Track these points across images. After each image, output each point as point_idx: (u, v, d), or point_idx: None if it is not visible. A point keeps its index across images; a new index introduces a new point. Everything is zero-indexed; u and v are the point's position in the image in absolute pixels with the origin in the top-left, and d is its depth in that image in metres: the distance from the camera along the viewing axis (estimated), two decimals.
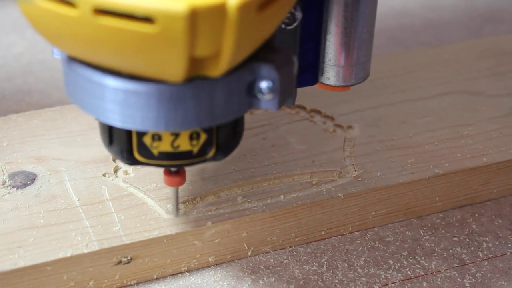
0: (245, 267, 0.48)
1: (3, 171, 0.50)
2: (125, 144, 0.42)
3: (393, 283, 0.47)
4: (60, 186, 0.49)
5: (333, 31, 0.44)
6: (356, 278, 0.48)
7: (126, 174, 0.50)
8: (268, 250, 0.49)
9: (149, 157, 0.42)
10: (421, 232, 0.51)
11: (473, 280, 0.48)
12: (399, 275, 0.48)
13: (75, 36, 0.36)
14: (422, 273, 0.48)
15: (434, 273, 0.48)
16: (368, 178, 0.51)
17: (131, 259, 0.46)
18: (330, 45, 0.45)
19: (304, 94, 0.58)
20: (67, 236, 0.45)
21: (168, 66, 0.36)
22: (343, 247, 0.50)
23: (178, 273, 0.48)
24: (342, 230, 0.51)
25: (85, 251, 0.44)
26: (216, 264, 0.48)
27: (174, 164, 0.42)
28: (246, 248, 0.49)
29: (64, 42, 0.38)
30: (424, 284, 0.47)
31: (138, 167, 0.51)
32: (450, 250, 0.50)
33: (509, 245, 0.51)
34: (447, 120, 0.57)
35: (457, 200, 0.53)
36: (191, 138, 0.41)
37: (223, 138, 0.42)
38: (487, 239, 0.51)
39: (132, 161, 0.42)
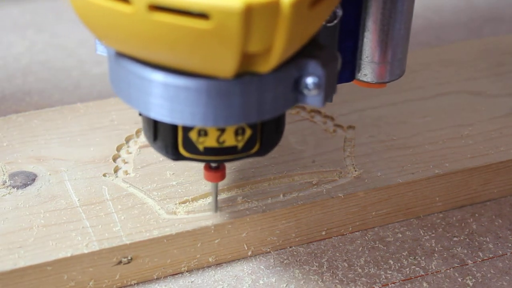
0: (245, 267, 0.48)
1: (3, 171, 0.50)
2: (170, 140, 0.42)
3: (393, 283, 0.47)
4: (60, 186, 0.49)
5: (371, 28, 0.45)
6: (356, 278, 0.48)
7: (126, 174, 0.50)
8: (268, 250, 0.49)
9: (194, 152, 0.42)
10: (421, 232, 0.51)
11: (473, 280, 0.48)
12: (399, 275, 0.48)
13: (128, 33, 0.36)
14: (422, 273, 0.48)
15: (434, 273, 0.48)
16: (368, 178, 0.51)
17: (131, 259, 0.46)
18: (367, 42, 0.46)
19: None
20: (67, 236, 0.45)
21: (220, 62, 0.36)
22: (343, 247, 0.50)
23: (178, 273, 0.48)
24: (342, 230, 0.51)
25: (85, 251, 0.44)
26: (216, 264, 0.48)
27: (219, 159, 0.43)
28: (246, 248, 0.49)
29: (115, 38, 0.38)
30: (424, 284, 0.47)
31: (138, 167, 0.51)
32: (450, 250, 0.50)
33: (509, 245, 0.51)
34: (447, 120, 0.57)
35: (457, 200, 0.53)
36: (236, 133, 0.42)
37: (267, 134, 0.43)
38: (487, 239, 0.51)
39: (177, 156, 0.43)
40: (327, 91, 0.40)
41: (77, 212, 0.47)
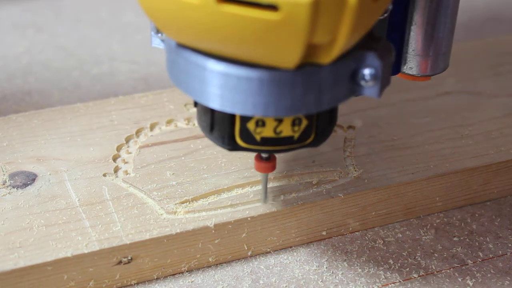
0: (245, 267, 0.48)
1: (3, 171, 0.50)
2: (227, 130, 0.43)
3: (393, 283, 0.47)
4: (60, 186, 0.49)
5: (418, 22, 0.46)
6: (356, 278, 0.48)
7: (126, 174, 0.50)
8: (268, 250, 0.49)
9: (251, 143, 0.43)
10: (421, 232, 0.51)
11: (473, 280, 0.48)
12: (399, 275, 0.48)
13: (195, 24, 0.37)
14: (422, 273, 0.48)
15: (434, 273, 0.48)
16: (368, 178, 0.51)
17: (131, 259, 0.46)
18: (414, 36, 0.46)
19: None
20: (67, 236, 0.45)
21: (284, 53, 0.37)
22: (343, 247, 0.50)
23: (178, 273, 0.48)
24: (342, 230, 0.51)
25: (85, 251, 0.44)
26: (216, 264, 0.48)
27: (275, 149, 0.43)
28: (246, 248, 0.49)
29: (180, 30, 0.38)
30: (424, 284, 0.47)
31: (138, 167, 0.51)
32: (450, 250, 0.50)
33: (509, 245, 0.51)
34: (447, 120, 0.57)
35: (457, 200, 0.53)
36: (293, 124, 0.42)
37: (322, 125, 0.44)
38: (487, 239, 0.51)
39: (233, 147, 0.43)
40: (383, 83, 0.40)
41: (77, 212, 0.47)
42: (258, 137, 0.43)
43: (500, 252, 0.50)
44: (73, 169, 0.51)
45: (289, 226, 0.49)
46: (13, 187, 0.49)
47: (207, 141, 0.54)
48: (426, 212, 0.53)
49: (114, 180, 0.50)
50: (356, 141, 0.54)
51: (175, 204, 0.48)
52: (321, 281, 0.47)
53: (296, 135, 0.43)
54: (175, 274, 0.48)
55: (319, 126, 0.44)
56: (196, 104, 0.45)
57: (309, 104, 0.40)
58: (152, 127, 0.55)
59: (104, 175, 0.50)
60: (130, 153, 0.53)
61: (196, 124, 0.55)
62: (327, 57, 0.38)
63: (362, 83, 0.40)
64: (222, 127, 0.43)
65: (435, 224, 0.52)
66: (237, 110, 0.40)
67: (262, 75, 0.38)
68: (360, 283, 0.47)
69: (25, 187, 0.49)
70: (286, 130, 0.42)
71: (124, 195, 0.49)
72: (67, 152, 0.52)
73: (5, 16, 0.78)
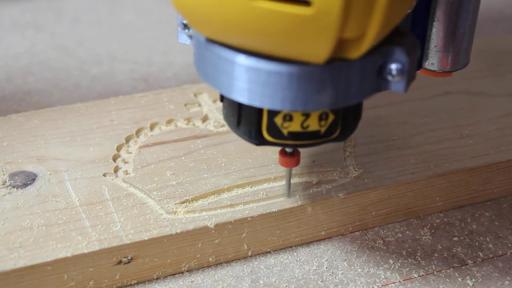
0: (245, 267, 0.48)
1: (3, 171, 0.50)
2: (254, 124, 0.43)
3: (393, 283, 0.47)
4: (60, 186, 0.49)
5: (440, 17, 0.46)
6: (356, 278, 0.48)
7: (126, 174, 0.50)
8: (268, 250, 0.49)
9: (278, 137, 0.43)
10: (421, 232, 0.51)
11: (473, 280, 0.48)
12: (399, 275, 0.48)
13: (228, 19, 0.37)
14: (422, 273, 0.48)
15: (434, 273, 0.48)
16: (368, 178, 0.51)
17: (131, 259, 0.46)
18: (436, 31, 0.46)
19: None
20: (67, 236, 0.45)
21: (315, 48, 0.37)
22: (343, 247, 0.50)
23: (178, 273, 0.48)
24: (342, 230, 0.51)
25: (85, 251, 0.44)
26: (216, 264, 0.48)
27: (302, 143, 0.44)
28: (246, 248, 0.49)
29: (211, 25, 0.39)
30: (424, 284, 0.47)
31: (138, 167, 0.51)
32: (450, 250, 0.50)
33: (509, 245, 0.51)
34: (447, 120, 0.57)
35: (457, 200, 0.53)
36: (320, 118, 0.43)
37: (347, 119, 0.44)
38: (487, 239, 0.51)
39: (260, 141, 0.44)
40: (409, 78, 0.41)
41: (77, 212, 0.47)
42: (285, 132, 0.43)
43: (500, 252, 0.50)
44: (73, 169, 0.51)
45: (289, 226, 0.49)
46: (13, 187, 0.49)
47: (207, 141, 0.54)
48: (426, 212, 0.53)
49: (114, 180, 0.50)
50: (356, 141, 0.54)
51: (175, 204, 0.48)
52: (321, 281, 0.47)
53: (323, 129, 0.43)
54: (175, 274, 0.48)
55: (345, 121, 0.44)
56: (222, 99, 0.45)
57: (337, 98, 0.40)
58: (152, 127, 0.55)
59: (104, 175, 0.50)
60: (130, 153, 0.53)
61: (196, 124, 0.55)
62: (356, 52, 0.38)
63: (389, 78, 0.41)
64: (249, 122, 0.43)
65: (435, 224, 0.52)
66: (266, 104, 0.40)
67: (291, 70, 0.39)
68: (360, 283, 0.47)
69: (25, 187, 0.49)
70: (313, 124, 0.43)
71: (124, 195, 0.49)
72: (67, 152, 0.52)
73: (5, 16, 0.78)
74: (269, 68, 0.39)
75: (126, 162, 0.52)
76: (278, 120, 0.43)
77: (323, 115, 0.43)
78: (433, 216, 0.53)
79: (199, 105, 0.58)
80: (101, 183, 0.50)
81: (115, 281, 0.46)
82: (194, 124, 0.55)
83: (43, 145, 0.53)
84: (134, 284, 0.47)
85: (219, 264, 0.48)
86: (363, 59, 0.39)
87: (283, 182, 0.50)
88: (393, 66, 0.40)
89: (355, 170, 0.51)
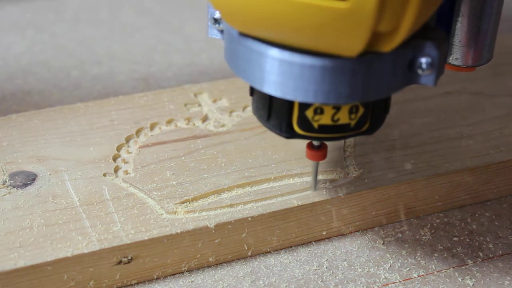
0: (245, 267, 0.48)
1: (3, 171, 0.50)
2: (285, 118, 0.44)
3: (393, 283, 0.47)
4: (61, 186, 0.49)
5: (465, 13, 0.46)
6: (356, 278, 0.48)
7: (127, 174, 0.50)
8: (268, 250, 0.49)
9: (308, 130, 0.44)
10: (421, 232, 0.51)
11: (473, 280, 0.48)
12: (399, 275, 0.48)
13: (263, 13, 0.38)
14: (422, 273, 0.48)
15: (434, 273, 0.48)
16: (368, 178, 0.51)
17: (131, 259, 0.46)
18: (460, 27, 0.47)
19: None
20: (67, 236, 0.45)
21: (349, 41, 0.38)
22: (343, 247, 0.50)
23: (178, 273, 0.48)
24: (342, 230, 0.51)
25: (85, 251, 0.44)
26: (216, 264, 0.48)
27: (332, 136, 0.44)
28: (246, 248, 0.49)
29: (246, 19, 0.39)
30: (424, 284, 0.47)
31: (138, 167, 0.51)
32: (450, 250, 0.50)
33: (509, 245, 0.51)
34: (447, 120, 0.57)
35: (457, 200, 0.53)
36: (350, 111, 0.43)
37: (377, 113, 0.45)
38: (487, 239, 0.51)
39: (290, 134, 0.44)
40: (439, 71, 0.42)
41: (77, 212, 0.47)
42: (315, 125, 0.43)
43: (500, 252, 0.50)
44: (73, 169, 0.51)
45: (289, 226, 0.49)
46: (13, 187, 0.49)
47: (207, 141, 0.54)
48: (426, 212, 0.53)
49: (114, 180, 0.50)
50: (356, 141, 0.54)
51: (175, 204, 0.48)
52: (321, 281, 0.47)
53: (353, 122, 0.44)
54: (175, 274, 0.48)
55: (374, 114, 0.44)
56: (252, 93, 0.46)
57: (369, 91, 0.41)
58: (152, 127, 0.55)
59: (104, 175, 0.50)
60: (130, 153, 0.53)
61: (196, 124, 0.55)
62: (388, 45, 0.39)
63: (419, 71, 0.41)
64: (280, 115, 0.44)
65: (435, 224, 0.52)
66: (299, 97, 0.40)
67: (325, 63, 0.39)
68: (360, 283, 0.47)
69: (25, 187, 0.49)
70: (343, 117, 0.43)
71: (124, 195, 0.49)
72: (67, 152, 0.52)
73: (5, 16, 0.78)
74: (303, 61, 0.39)
75: (126, 162, 0.52)
76: (309, 113, 0.43)
77: (353, 108, 0.43)
78: (433, 216, 0.53)
79: (199, 105, 0.58)
80: (101, 183, 0.50)
81: (115, 281, 0.46)
82: (194, 124, 0.55)
83: (43, 145, 0.53)
84: (134, 284, 0.47)
85: (219, 264, 0.48)
86: (394, 52, 0.40)
87: (283, 182, 0.50)
88: (423, 60, 0.41)
89: (355, 170, 0.51)
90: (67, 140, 0.53)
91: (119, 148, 0.53)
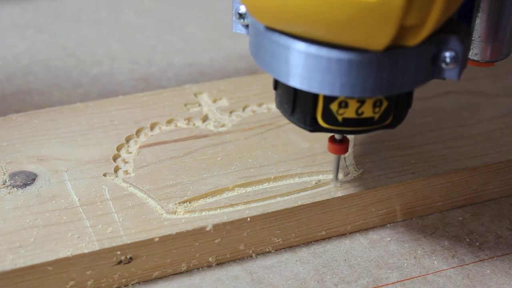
0: (245, 267, 0.48)
1: (3, 171, 0.50)
2: (309, 111, 0.44)
3: (393, 283, 0.47)
4: (61, 186, 0.49)
5: (485, 8, 0.47)
6: (356, 278, 0.48)
7: (127, 174, 0.50)
8: (268, 250, 0.49)
9: (332, 124, 0.44)
10: (421, 232, 0.51)
11: (473, 280, 0.48)
12: (399, 275, 0.48)
13: (291, 7, 0.38)
14: (422, 273, 0.48)
15: (434, 273, 0.48)
16: (368, 178, 0.51)
17: (131, 258, 0.46)
18: (480, 22, 0.47)
19: None
20: (67, 236, 0.45)
21: (376, 35, 0.38)
22: (343, 247, 0.50)
23: (178, 273, 0.48)
24: (342, 230, 0.51)
25: (86, 251, 0.44)
26: (216, 264, 0.48)
27: (356, 130, 0.45)
28: (246, 248, 0.49)
29: (273, 13, 0.40)
30: (425, 284, 0.47)
31: (139, 167, 0.51)
32: (450, 250, 0.50)
33: (509, 245, 0.51)
34: (447, 120, 0.57)
35: (457, 200, 0.53)
36: (374, 105, 0.44)
37: (400, 107, 0.45)
38: (487, 239, 0.51)
39: (315, 128, 0.45)
40: (463, 65, 0.42)
41: (77, 212, 0.47)
42: (340, 118, 0.44)
43: (500, 252, 0.50)
44: (73, 169, 0.51)
45: (289, 226, 0.49)
46: (13, 187, 0.49)
47: (207, 141, 0.54)
48: (426, 212, 0.53)
49: (114, 180, 0.50)
50: (356, 141, 0.54)
51: (175, 204, 0.48)
52: (321, 281, 0.47)
53: (377, 116, 0.44)
54: (175, 274, 0.48)
55: (397, 108, 0.45)
56: (275, 87, 0.46)
57: (394, 85, 0.41)
58: (152, 127, 0.55)
59: (104, 175, 0.50)
60: (130, 153, 0.53)
61: (196, 124, 0.55)
62: (414, 40, 0.39)
63: (443, 65, 0.42)
64: (304, 109, 0.44)
65: (435, 224, 0.52)
66: (325, 90, 0.41)
67: (352, 57, 0.40)
68: (361, 283, 0.47)
69: (25, 187, 0.49)
70: (367, 111, 0.44)
71: (124, 195, 0.49)
72: (67, 152, 0.52)
73: (5, 16, 0.78)
74: (330, 55, 0.40)
75: (126, 162, 0.52)
76: (333, 106, 0.43)
77: (377, 102, 0.44)
78: (433, 216, 0.53)
79: (199, 105, 0.58)
80: (101, 183, 0.50)
81: (115, 281, 0.46)
82: (194, 124, 0.56)
83: (43, 145, 0.53)
84: (134, 283, 0.47)
85: (219, 264, 0.48)
86: (419, 46, 0.40)
87: (283, 182, 0.50)
88: (447, 54, 0.41)
89: (355, 170, 0.51)
90: (67, 140, 0.53)
91: (119, 148, 0.53)
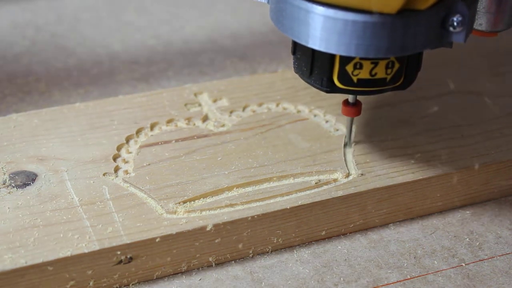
0: (245, 267, 0.48)
1: (3, 171, 0.50)
2: (326, 73, 0.47)
3: (393, 283, 0.47)
4: (61, 186, 0.49)
5: None
6: (356, 278, 0.48)
7: (127, 174, 0.50)
8: (268, 250, 0.49)
9: (348, 84, 0.47)
10: (421, 232, 0.51)
11: (473, 280, 0.48)
12: (399, 275, 0.48)
13: None
14: (422, 273, 0.48)
15: (434, 273, 0.48)
16: (368, 178, 0.51)
17: (131, 258, 0.46)
18: None
19: (305, 94, 0.58)
20: (67, 235, 0.45)
21: None
22: (343, 247, 0.50)
23: (178, 273, 0.48)
24: (342, 230, 0.51)
25: (86, 251, 0.44)
26: (216, 264, 0.48)
27: (370, 90, 0.48)
28: (246, 248, 0.49)
29: None
30: (424, 284, 0.47)
31: (139, 167, 0.51)
32: (450, 250, 0.50)
33: (509, 245, 0.51)
34: (447, 120, 0.57)
35: (457, 200, 0.53)
36: (387, 66, 0.47)
37: (410, 68, 0.48)
38: (487, 239, 0.51)
39: (331, 88, 0.48)
40: (468, 29, 0.45)
41: (77, 211, 0.47)
42: (355, 79, 0.47)
43: (500, 252, 0.50)
44: (73, 169, 0.51)
45: (289, 226, 0.49)
46: (14, 187, 0.49)
47: (207, 141, 0.54)
48: (426, 212, 0.53)
49: (115, 180, 0.50)
50: (356, 141, 0.54)
51: (175, 204, 0.48)
52: (321, 281, 0.47)
53: (389, 77, 0.47)
54: (175, 274, 0.48)
55: (408, 70, 0.48)
56: (294, 51, 0.49)
57: (405, 46, 0.44)
58: (152, 127, 0.55)
59: (104, 174, 0.50)
60: (130, 152, 0.53)
61: (196, 124, 0.55)
62: (425, 3, 0.43)
63: (451, 29, 0.44)
64: (322, 71, 0.47)
65: (435, 224, 0.52)
66: (342, 51, 0.44)
67: (366, 19, 0.43)
68: (361, 283, 0.47)
69: (25, 187, 0.49)
70: (380, 72, 0.47)
71: (124, 195, 0.49)
72: (67, 152, 0.52)
73: (5, 16, 0.78)
74: (346, 17, 0.43)
75: (126, 162, 0.52)
76: (349, 68, 0.46)
77: (389, 63, 0.46)
78: (433, 216, 0.53)
79: (199, 105, 0.58)
80: (101, 183, 0.50)
81: (115, 281, 0.46)
82: (194, 124, 0.56)
83: (43, 145, 0.53)
84: (135, 284, 0.47)
85: (219, 264, 0.48)
86: (429, 10, 0.43)
87: (283, 182, 0.50)
88: (455, 18, 0.44)
89: (355, 170, 0.51)
90: (67, 140, 0.53)
91: (119, 148, 0.53)
